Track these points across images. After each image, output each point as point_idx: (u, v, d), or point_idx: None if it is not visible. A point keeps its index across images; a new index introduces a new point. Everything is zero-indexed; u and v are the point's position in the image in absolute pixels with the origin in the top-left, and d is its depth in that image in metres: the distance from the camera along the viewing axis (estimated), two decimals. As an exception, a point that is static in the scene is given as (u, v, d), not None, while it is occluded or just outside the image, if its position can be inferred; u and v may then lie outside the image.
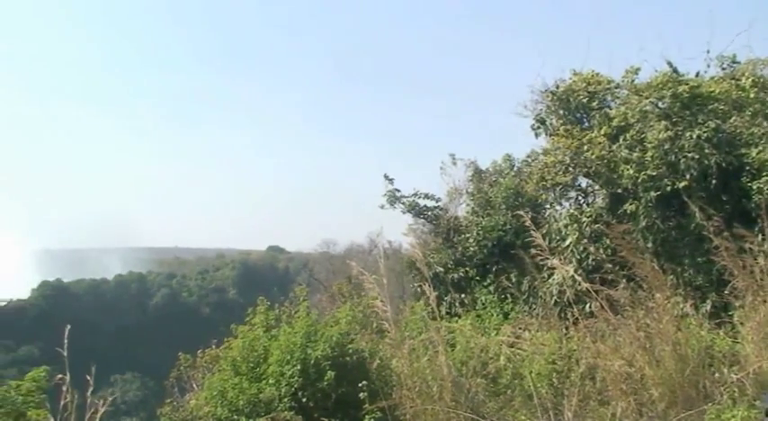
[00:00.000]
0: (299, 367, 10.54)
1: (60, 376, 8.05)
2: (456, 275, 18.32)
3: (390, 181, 20.21)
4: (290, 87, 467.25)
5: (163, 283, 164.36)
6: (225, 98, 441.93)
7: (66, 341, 8.23)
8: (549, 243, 13.89)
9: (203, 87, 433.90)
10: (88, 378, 8.05)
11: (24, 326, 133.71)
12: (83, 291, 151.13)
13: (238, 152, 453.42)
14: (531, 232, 9.73)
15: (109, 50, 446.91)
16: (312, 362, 10.61)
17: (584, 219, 15.18)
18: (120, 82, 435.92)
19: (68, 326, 8.52)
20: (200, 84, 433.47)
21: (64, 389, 7.83)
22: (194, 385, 14.39)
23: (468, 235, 18.93)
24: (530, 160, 19.64)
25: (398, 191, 20.19)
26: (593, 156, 15.04)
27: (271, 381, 10.72)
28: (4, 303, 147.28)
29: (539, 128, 17.84)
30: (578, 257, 14.63)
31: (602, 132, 15.35)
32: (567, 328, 10.06)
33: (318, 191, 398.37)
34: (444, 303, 16.88)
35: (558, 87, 17.14)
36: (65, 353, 8.03)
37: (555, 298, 13.80)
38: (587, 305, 10.73)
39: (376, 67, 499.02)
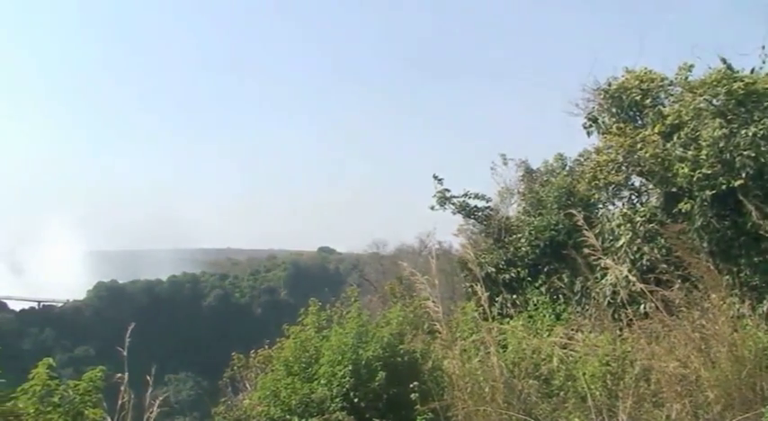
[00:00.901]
0: (350, 367, 10.58)
1: (119, 375, 8.18)
2: (507, 276, 18.19)
3: (440, 181, 20.13)
4: (344, 89, 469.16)
5: (216, 284, 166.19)
6: (273, 99, 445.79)
7: (128, 339, 8.36)
8: (602, 243, 13.75)
9: (257, 88, 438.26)
10: (148, 378, 8.18)
11: (80, 327, 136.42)
12: (137, 292, 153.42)
13: (289, 153, 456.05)
14: (584, 232, 9.62)
15: (161, 53, 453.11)
16: (363, 362, 10.64)
17: (638, 218, 14.98)
18: (174, 84, 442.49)
19: (128, 326, 8.66)
20: (254, 84, 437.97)
21: (122, 388, 7.95)
22: (247, 385, 14.52)
23: (519, 235, 18.79)
24: (582, 159, 19.43)
25: (448, 191, 20.10)
26: (647, 155, 14.83)
27: (322, 382, 10.77)
28: (61, 304, 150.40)
29: (591, 126, 17.65)
30: (632, 257, 14.44)
31: (656, 130, 15.13)
32: (620, 330, 9.93)
33: (368, 192, 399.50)
34: (496, 304, 16.80)
35: (610, 85, 16.94)
36: (125, 353, 8.15)
37: (608, 299, 13.63)
38: (641, 306, 10.60)
39: (419, 68, 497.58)
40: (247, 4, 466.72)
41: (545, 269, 17.88)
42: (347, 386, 10.50)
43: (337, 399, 10.45)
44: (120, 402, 8.00)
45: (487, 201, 20.42)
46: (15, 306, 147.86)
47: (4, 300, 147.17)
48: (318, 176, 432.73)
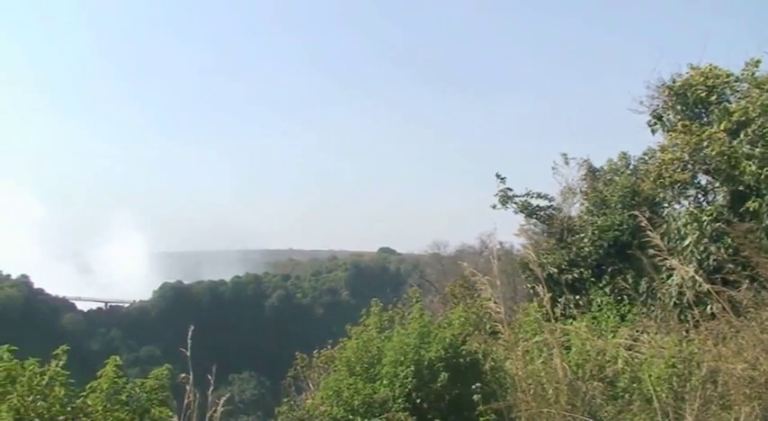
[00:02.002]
0: (412, 368, 10.59)
1: (183, 375, 8.31)
2: (570, 276, 17.99)
3: (502, 180, 20.01)
4: (410, 91, 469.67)
5: (278, 285, 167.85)
6: (336, 101, 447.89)
7: (189, 341, 8.49)
8: (668, 243, 13.52)
9: (314, 89, 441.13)
10: (209, 377, 8.29)
11: (146, 327, 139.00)
12: (202, 292, 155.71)
13: (349, 155, 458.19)
14: (649, 232, 9.47)
15: (216, 56, 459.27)
16: (426, 363, 10.64)
17: (705, 217, 14.70)
18: (235, 87, 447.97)
19: (191, 327, 8.80)
20: (311, 86, 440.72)
21: (187, 387, 8.08)
22: (310, 384, 14.63)
23: (582, 235, 18.57)
24: (646, 158, 19.14)
25: (510, 190, 19.97)
26: (713, 153, 14.57)
27: (385, 382, 10.80)
28: (128, 304, 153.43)
29: (655, 124, 17.40)
30: (698, 257, 14.18)
31: (722, 127, 14.85)
32: (687, 331, 9.76)
33: (429, 192, 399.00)
34: (558, 305, 16.63)
35: (674, 82, 16.68)
36: (188, 353, 8.27)
37: (674, 299, 13.41)
38: (708, 307, 10.40)
39: (479, 70, 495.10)
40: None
41: (609, 269, 17.65)
42: (409, 386, 10.51)
43: (400, 400, 10.47)
44: (185, 401, 8.12)
45: (550, 201, 20.24)
46: (83, 306, 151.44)
47: (73, 301, 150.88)
48: (378, 177, 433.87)
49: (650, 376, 8.18)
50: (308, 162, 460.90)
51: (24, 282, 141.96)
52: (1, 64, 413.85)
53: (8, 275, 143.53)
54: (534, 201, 20.07)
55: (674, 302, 13.29)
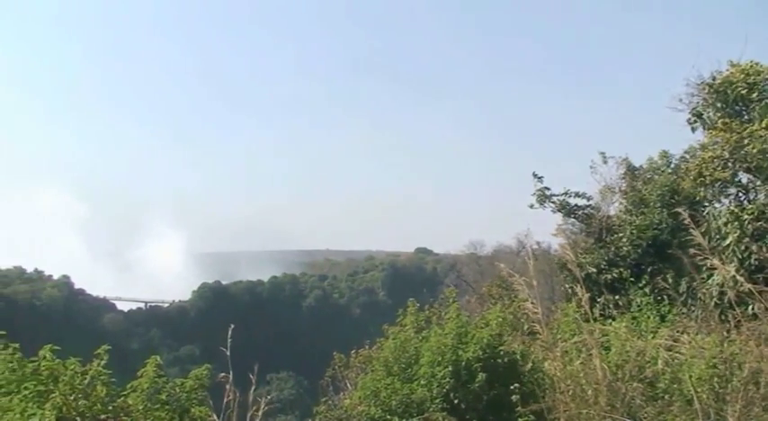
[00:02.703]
0: (450, 368, 10.58)
1: (223, 374, 8.37)
2: (609, 276, 17.84)
3: (539, 179, 19.90)
4: (438, 94, 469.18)
5: (315, 285, 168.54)
6: (369, 103, 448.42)
7: (228, 341, 8.56)
8: (709, 242, 13.36)
9: (352, 92, 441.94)
10: (251, 376, 8.35)
11: (185, 326, 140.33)
12: (240, 293, 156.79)
13: (386, 154, 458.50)
14: (690, 231, 9.37)
15: (264, 59, 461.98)
16: (463, 363, 10.62)
17: (746, 216, 14.50)
18: (275, 89, 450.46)
19: (231, 327, 8.87)
20: (349, 89, 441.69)
21: (227, 387, 8.14)
22: (348, 384, 14.66)
23: (621, 234, 18.40)
24: (687, 156, 18.91)
25: (548, 189, 19.86)
26: (755, 151, 14.38)
27: (422, 382, 10.80)
28: (167, 304, 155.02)
29: (695, 122, 17.21)
30: (740, 257, 13.99)
31: (764, 125, 14.65)
32: (728, 331, 9.63)
33: (465, 192, 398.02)
34: (597, 305, 16.50)
35: (714, 79, 16.48)
36: (228, 353, 8.34)
37: (715, 299, 13.25)
38: (750, 306, 10.25)
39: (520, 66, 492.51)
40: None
41: (648, 269, 17.47)
42: (447, 387, 10.50)
43: (437, 400, 10.46)
44: (225, 400, 8.18)
45: (588, 200, 20.08)
46: (123, 306, 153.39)
47: (113, 301, 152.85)
48: (415, 177, 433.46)
49: (691, 377, 8.09)
50: (345, 163, 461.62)
51: (66, 282, 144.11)
52: (28, 66, 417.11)
53: (50, 276, 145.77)
54: (572, 201, 19.93)
55: (715, 302, 13.13)
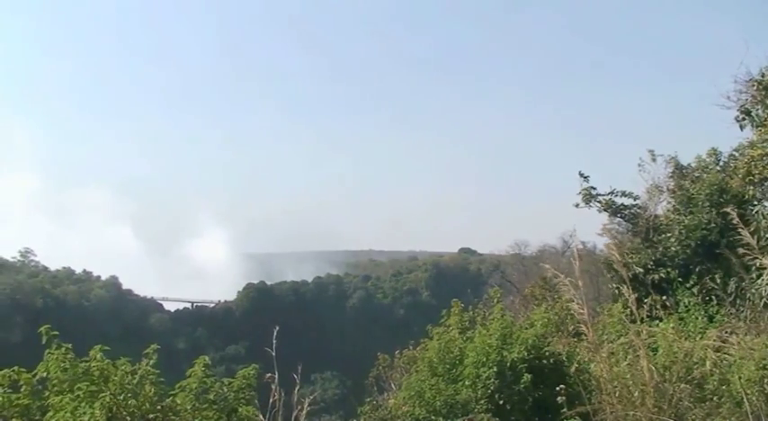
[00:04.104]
0: (495, 369, 10.55)
1: (269, 375, 8.43)
2: (656, 276, 17.61)
3: (585, 178, 19.72)
4: (483, 93, 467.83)
5: (359, 285, 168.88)
6: (412, 104, 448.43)
7: (274, 341, 8.62)
8: (758, 242, 13.14)
9: (393, 94, 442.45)
10: (295, 376, 8.40)
11: (231, 326, 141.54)
12: (284, 293, 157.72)
13: (429, 154, 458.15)
14: (738, 230, 9.23)
15: (303, 59, 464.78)
16: (508, 364, 10.59)
17: (796, 214, 14.25)
18: (312, 91, 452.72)
19: (277, 327, 8.93)
20: (391, 90, 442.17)
21: (273, 387, 8.20)
22: (392, 385, 14.68)
23: (668, 234, 18.16)
24: (736, 154, 18.61)
25: (594, 189, 19.67)
26: (805, 148, 14.13)
27: (467, 383, 10.78)
28: (213, 304, 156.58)
29: (744, 119, 16.94)
30: (790, 256, 13.74)
31: (814, 121, 14.39)
32: (778, 332, 9.50)
33: (510, 192, 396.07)
34: (644, 306, 16.30)
35: (763, 76, 16.22)
36: (273, 353, 8.39)
37: (765, 299, 13.05)
38: (800, 307, 10.10)
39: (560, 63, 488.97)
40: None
41: (696, 269, 17.22)
42: (492, 388, 10.47)
43: (482, 401, 10.44)
44: (271, 400, 8.23)
45: (635, 199, 19.84)
46: (170, 306, 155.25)
47: (160, 301, 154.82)
48: (459, 178, 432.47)
49: (740, 378, 7.99)
50: (389, 164, 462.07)
51: (113, 282, 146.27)
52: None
53: (98, 276, 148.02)
54: (618, 200, 19.72)
55: (765, 303, 12.94)
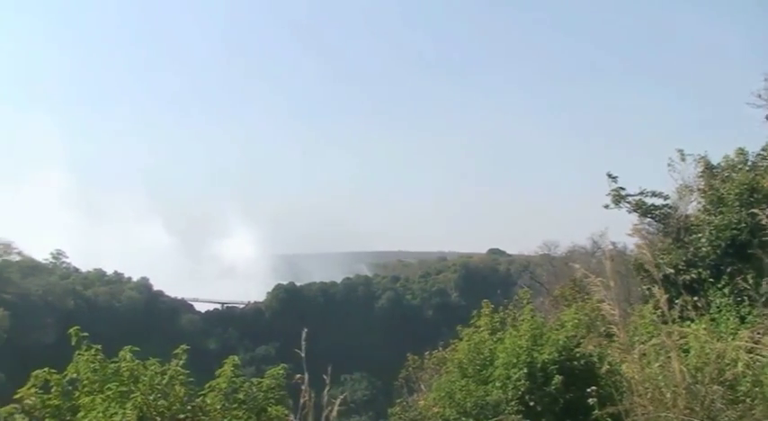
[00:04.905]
0: (525, 371, 10.56)
1: (299, 375, 8.50)
2: (687, 277, 17.47)
3: (614, 179, 19.62)
4: (506, 92, 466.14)
5: (387, 286, 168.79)
6: (440, 103, 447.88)
7: (303, 342, 8.68)
8: (790, 242, 13.03)
9: (418, 94, 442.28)
10: (324, 377, 8.46)
11: (261, 327, 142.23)
12: (313, 294, 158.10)
13: (458, 155, 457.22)
14: (769, 231, 9.19)
15: (321, 64, 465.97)
16: (539, 365, 10.59)
17: (827, 214, 14.08)
18: (335, 93, 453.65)
19: (306, 329, 9.00)
20: (416, 91, 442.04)
21: (303, 387, 8.26)
22: (422, 386, 14.72)
23: (699, 234, 18.03)
24: (765, 153, 18.43)
25: (623, 189, 19.57)
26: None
27: (497, 384, 10.80)
28: (243, 305, 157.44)
29: (774, 117, 16.78)
30: (822, 256, 13.59)
31: None
32: (812, 333, 9.41)
33: (539, 192, 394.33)
34: (675, 306, 16.20)
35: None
36: (302, 354, 8.45)
37: (798, 300, 12.89)
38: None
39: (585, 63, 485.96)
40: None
41: (728, 269, 17.06)
42: (522, 389, 10.49)
43: (513, 403, 10.45)
44: (301, 401, 8.29)
45: (665, 199, 19.72)
46: (200, 307, 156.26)
47: (191, 302, 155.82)
48: (488, 178, 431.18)
49: (773, 379, 7.94)
50: (417, 164, 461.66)
51: (145, 284, 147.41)
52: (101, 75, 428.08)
53: (129, 278, 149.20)
54: (648, 200, 19.60)
55: (798, 303, 12.79)
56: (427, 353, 15.93)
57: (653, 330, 10.62)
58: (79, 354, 8.87)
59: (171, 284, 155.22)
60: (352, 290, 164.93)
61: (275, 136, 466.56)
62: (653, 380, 8.13)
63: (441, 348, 15.53)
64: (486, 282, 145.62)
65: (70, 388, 8.80)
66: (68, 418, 8.52)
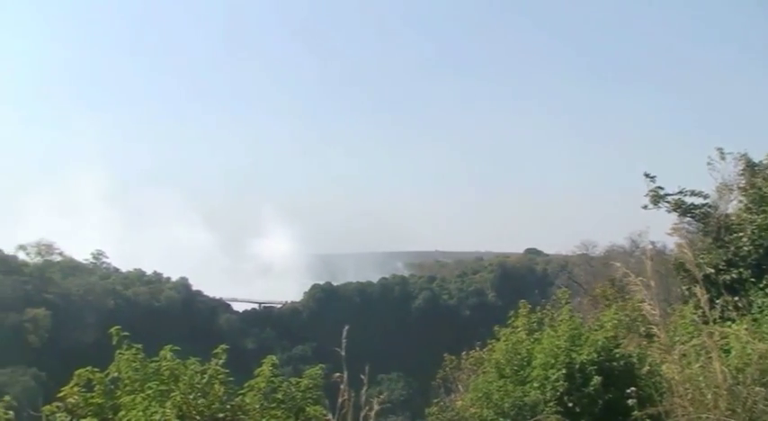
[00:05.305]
0: (564, 371, 10.50)
1: (337, 375, 8.52)
2: (728, 277, 17.25)
3: (652, 179, 19.40)
4: (540, 89, 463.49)
5: (424, 286, 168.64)
6: (476, 101, 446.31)
7: (344, 341, 8.70)
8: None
9: (451, 94, 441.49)
10: (362, 377, 8.48)
11: (298, 327, 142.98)
12: (350, 294, 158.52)
13: (493, 154, 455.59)
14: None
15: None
16: (578, 366, 10.52)
17: None
18: (382, 88, 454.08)
19: (346, 327, 9.02)
20: (448, 91, 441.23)
21: (341, 387, 8.28)
22: (459, 386, 14.70)
23: (740, 234, 17.78)
24: (806, 150, 18.12)
25: (662, 189, 19.33)
26: None
27: (535, 385, 10.75)
28: (280, 305, 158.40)
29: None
30: None
31: None
32: None
33: (575, 192, 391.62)
34: (716, 307, 16.01)
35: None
36: (342, 353, 8.48)
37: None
38: None
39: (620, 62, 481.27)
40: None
41: (770, 269, 16.85)
42: (561, 390, 10.43)
43: (551, 403, 10.39)
44: (340, 400, 8.31)
45: (705, 198, 19.46)
46: (238, 307, 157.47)
47: (229, 302, 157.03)
48: (524, 177, 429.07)
49: (817, 381, 7.82)
50: (453, 164, 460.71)
51: (183, 284, 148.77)
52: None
53: (168, 278, 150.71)
54: (688, 199, 19.36)
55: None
56: (464, 353, 15.89)
57: (693, 330, 10.52)
58: (120, 354, 8.98)
59: (209, 283, 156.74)
60: (389, 289, 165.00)
61: (313, 134, 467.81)
62: (693, 380, 8.05)
63: (478, 348, 15.48)
64: (524, 282, 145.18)
65: (112, 386, 8.92)
66: (110, 417, 8.64)
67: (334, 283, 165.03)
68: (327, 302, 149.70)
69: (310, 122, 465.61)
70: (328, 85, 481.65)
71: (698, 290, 9.32)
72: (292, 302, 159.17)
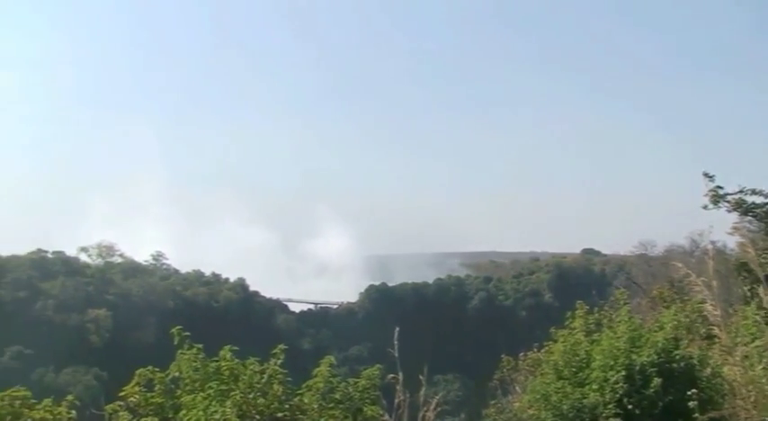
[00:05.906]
0: (623, 373, 10.38)
1: (393, 375, 8.57)
2: (791, 277, 16.89)
3: (711, 178, 19.06)
4: (614, 86, 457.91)
5: (480, 287, 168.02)
6: (537, 96, 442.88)
7: (396, 342, 8.74)
8: None
9: (512, 92, 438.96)
10: (420, 377, 8.51)
11: (353, 327, 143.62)
12: (405, 294, 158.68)
13: (550, 153, 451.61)
14: None
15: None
16: (637, 368, 10.40)
17: None
18: (426, 91, 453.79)
19: (398, 328, 9.06)
20: (506, 88, 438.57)
21: (397, 387, 8.33)
22: (517, 388, 14.63)
23: (804, 234, 17.42)
24: None
25: (721, 188, 18.98)
26: None
27: (594, 387, 10.65)
28: (336, 306, 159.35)
29: None
30: None
31: None
32: None
33: (634, 190, 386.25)
34: (779, 308, 15.69)
35: None
36: (396, 354, 8.52)
37: None
38: None
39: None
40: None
41: (835, 270, 16.45)
42: (620, 392, 10.31)
43: (610, 406, 10.29)
44: (396, 401, 8.35)
45: (767, 197, 19.07)
46: (295, 307, 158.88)
47: (285, 303, 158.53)
48: (581, 177, 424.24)
49: None
50: (510, 164, 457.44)
51: (241, 284, 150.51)
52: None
53: (226, 279, 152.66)
54: (749, 198, 18.98)
55: None
56: (522, 354, 15.80)
57: (756, 331, 10.33)
58: (181, 353, 9.15)
59: (266, 284, 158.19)
60: (445, 290, 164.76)
61: (368, 136, 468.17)
62: (756, 382, 7.93)
63: (535, 349, 15.38)
64: (581, 283, 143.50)
65: (172, 386, 9.09)
66: (170, 416, 8.81)
67: (390, 284, 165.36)
68: (383, 303, 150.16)
69: (371, 122, 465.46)
70: (390, 84, 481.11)
71: (761, 290, 9.17)
72: (348, 303, 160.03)
